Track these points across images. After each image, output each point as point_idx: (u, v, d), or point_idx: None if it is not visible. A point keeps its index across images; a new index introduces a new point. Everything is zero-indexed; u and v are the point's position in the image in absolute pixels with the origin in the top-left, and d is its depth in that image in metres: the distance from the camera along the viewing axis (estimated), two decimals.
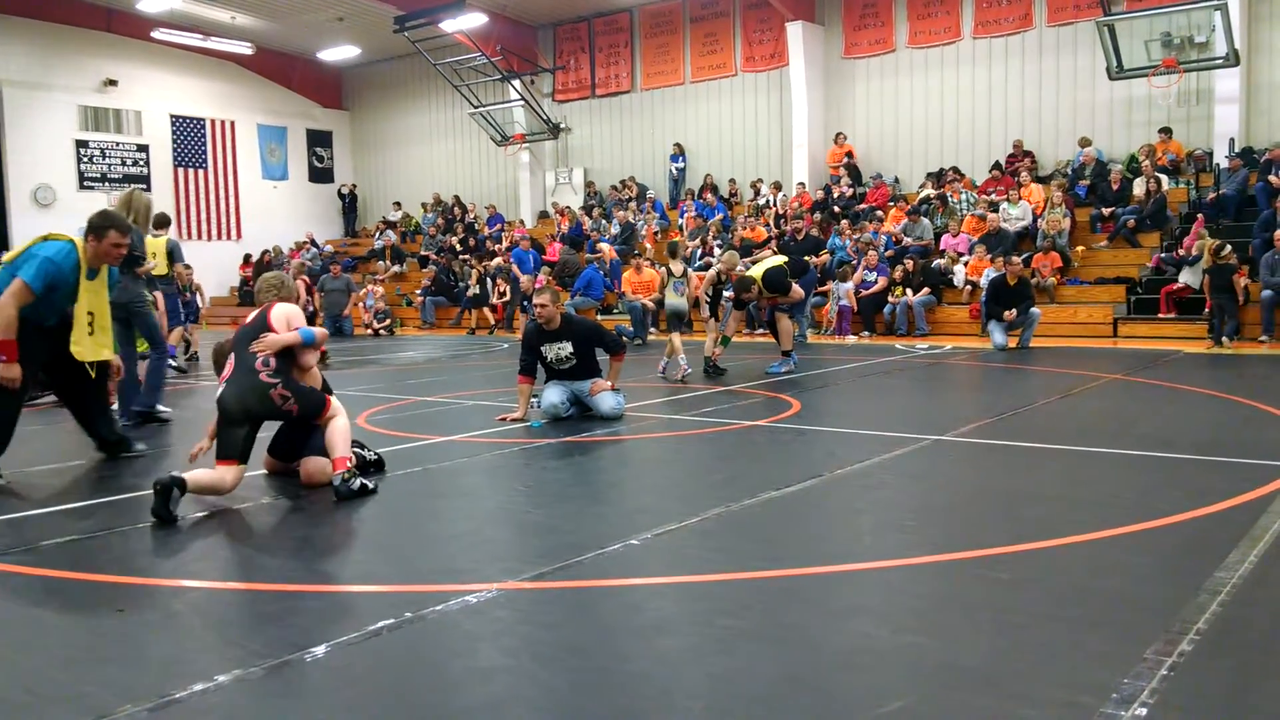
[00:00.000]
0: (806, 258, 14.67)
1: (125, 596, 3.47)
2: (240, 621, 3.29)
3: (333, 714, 2.53)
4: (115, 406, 6.95)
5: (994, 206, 16.65)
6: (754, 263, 12.07)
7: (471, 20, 21.41)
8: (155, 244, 12.06)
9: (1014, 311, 12.41)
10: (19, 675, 2.84)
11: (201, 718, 2.50)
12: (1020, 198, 16.64)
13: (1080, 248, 15.89)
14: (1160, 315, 13.93)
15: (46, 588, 3.60)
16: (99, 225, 5.69)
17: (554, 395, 7.35)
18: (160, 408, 7.68)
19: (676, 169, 22.42)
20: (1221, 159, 15.81)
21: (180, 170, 25.59)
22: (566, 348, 7.36)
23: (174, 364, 12.46)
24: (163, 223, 12.23)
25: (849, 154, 19.74)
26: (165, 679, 2.71)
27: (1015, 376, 10.12)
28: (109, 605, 3.39)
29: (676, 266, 11.88)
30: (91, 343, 5.72)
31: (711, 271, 10.99)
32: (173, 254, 12.15)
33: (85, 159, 23.87)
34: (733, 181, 21.46)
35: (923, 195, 18.14)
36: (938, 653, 2.83)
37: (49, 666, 2.89)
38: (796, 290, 10.56)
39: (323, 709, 2.56)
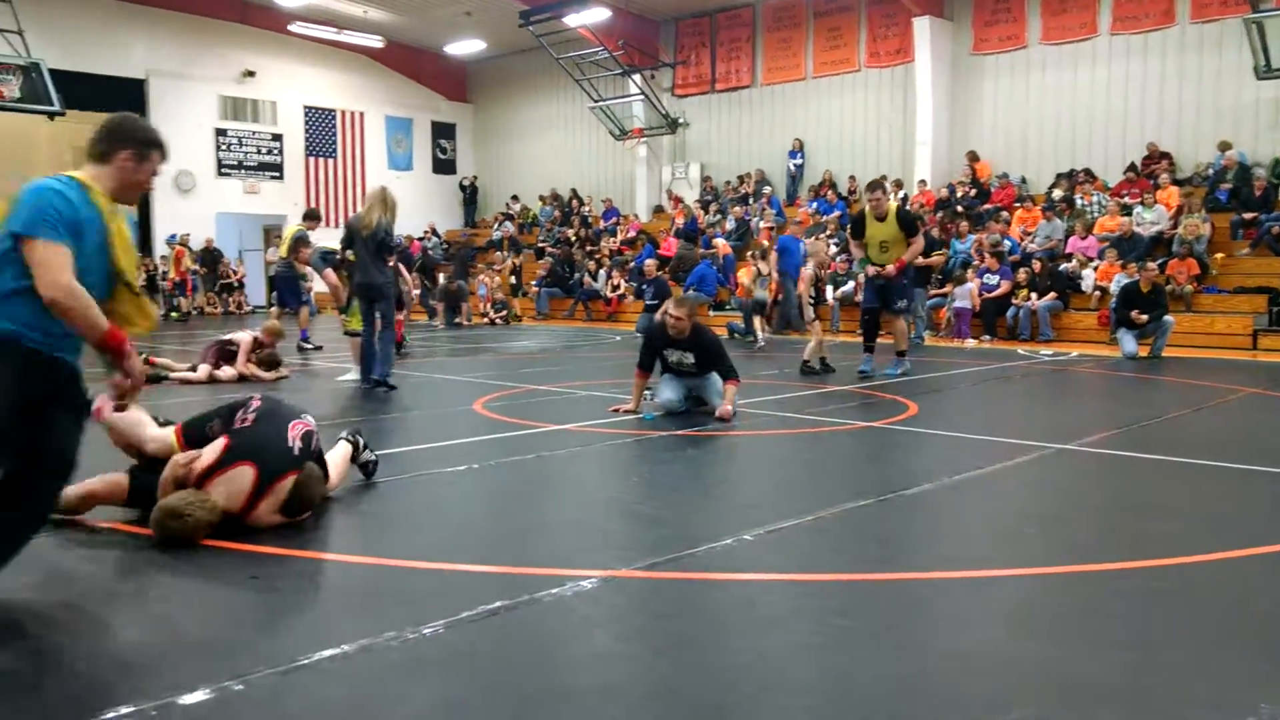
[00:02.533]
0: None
1: (258, 564, 3.62)
2: (365, 594, 3.40)
3: (451, 687, 2.59)
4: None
5: (1127, 210, 16.01)
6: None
7: (595, 15, 21.60)
8: (288, 231, 12.70)
9: (1145, 316, 11.94)
10: (162, 630, 2.99)
11: (328, 683, 2.60)
12: (1155, 201, 15.96)
13: (1219, 255, 15.16)
14: None
15: (187, 553, 3.77)
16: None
17: (670, 392, 7.36)
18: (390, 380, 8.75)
19: (795, 165, 22.21)
20: None
21: (311, 159, 26.53)
22: (690, 357, 7.34)
23: (309, 345, 12.99)
24: (309, 216, 13.01)
25: (974, 174, 19.20)
26: (295, 645, 2.83)
27: (1145, 387, 9.72)
28: (244, 572, 3.54)
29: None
30: None
31: (809, 271, 10.91)
32: (299, 241, 12.70)
33: (223, 147, 24.96)
34: (852, 178, 21.12)
35: (1051, 196, 17.57)
36: (1062, 664, 2.75)
37: (189, 624, 3.05)
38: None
39: (442, 682, 2.62)
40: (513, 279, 22.43)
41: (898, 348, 10.02)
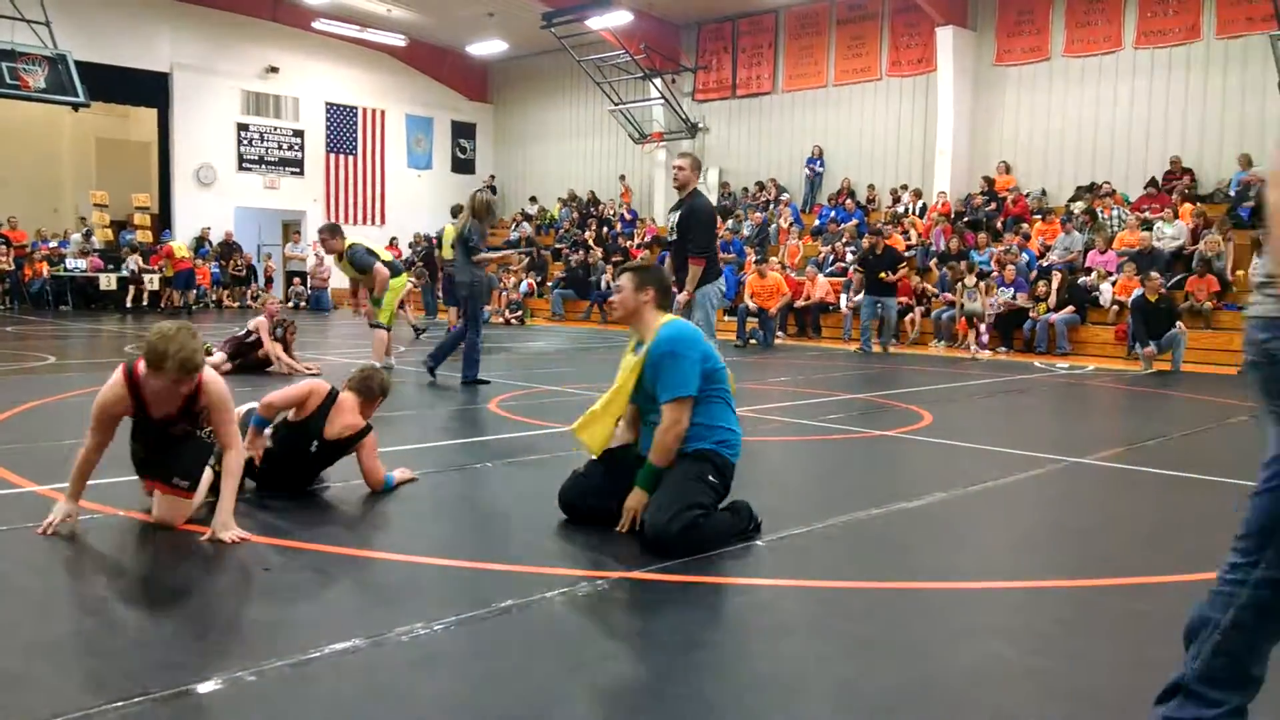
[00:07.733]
0: (948, 267, 14.37)
1: (272, 556, 3.64)
2: (378, 589, 3.41)
3: (462, 684, 2.60)
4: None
5: (1147, 225, 15.93)
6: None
7: (618, 18, 21.63)
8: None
9: (1153, 348, 12.09)
10: (170, 623, 3.01)
11: (340, 676, 2.61)
12: (1176, 217, 15.88)
13: (1241, 272, 15.05)
14: None
15: (201, 544, 3.79)
16: None
17: None
18: (481, 377, 9.13)
19: (814, 172, 22.19)
20: None
21: (331, 156, 26.65)
22: (674, 218, 7.49)
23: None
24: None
25: (992, 186, 19.18)
26: (307, 637, 2.84)
27: (1163, 402, 9.67)
28: (257, 564, 3.56)
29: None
30: None
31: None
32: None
33: (245, 141, 25.10)
34: (871, 187, 21.11)
35: (1069, 209, 17.51)
36: (1070, 679, 2.74)
37: (200, 616, 3.06)
38: None
39: (452, 678, 2.63)
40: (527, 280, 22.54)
41: None
